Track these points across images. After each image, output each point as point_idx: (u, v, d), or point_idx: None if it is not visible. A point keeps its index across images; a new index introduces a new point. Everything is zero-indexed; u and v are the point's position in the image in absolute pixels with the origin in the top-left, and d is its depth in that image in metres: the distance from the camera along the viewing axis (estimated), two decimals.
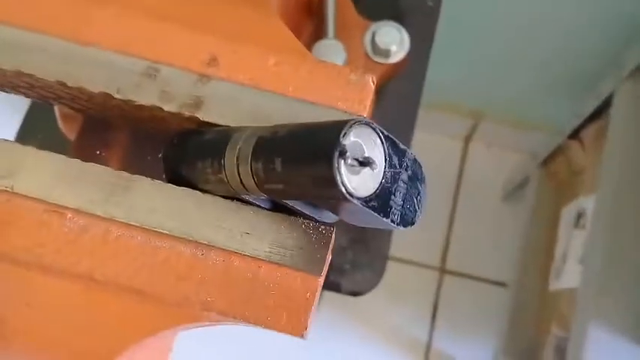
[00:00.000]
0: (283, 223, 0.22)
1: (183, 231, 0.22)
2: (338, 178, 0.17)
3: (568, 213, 1.02)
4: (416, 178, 0.20)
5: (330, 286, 0.47)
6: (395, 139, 0.19)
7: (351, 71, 0.24)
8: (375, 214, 0.19)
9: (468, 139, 1.33)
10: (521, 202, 1.17)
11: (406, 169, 0.20)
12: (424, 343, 1.27)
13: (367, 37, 0.50)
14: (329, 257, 0.22)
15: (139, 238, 0.22)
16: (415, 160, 0.20)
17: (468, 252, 1.30)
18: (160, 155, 0.25)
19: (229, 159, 0.21)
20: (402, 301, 1.26)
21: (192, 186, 0.23)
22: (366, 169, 0.18)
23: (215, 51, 0.24)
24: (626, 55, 0.85)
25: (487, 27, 0.96)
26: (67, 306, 0.22)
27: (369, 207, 0.18)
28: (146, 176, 0.24)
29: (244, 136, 0.21)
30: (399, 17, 0.51)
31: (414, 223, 0.20)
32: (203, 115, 0.24)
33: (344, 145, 0.18)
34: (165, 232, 0.22)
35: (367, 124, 0.18)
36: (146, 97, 0.24)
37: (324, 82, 0.24)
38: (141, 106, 0.24)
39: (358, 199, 0.18)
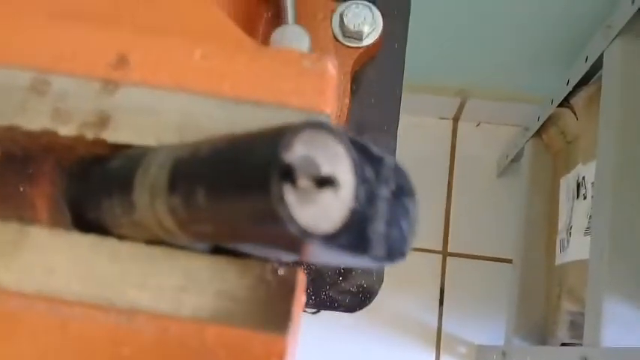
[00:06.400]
0: (230, 270, 0.17)
1: (96, 295, 0.17)
2: (283, 211, 0.12)
3: (567, 183, 0.99)
4: (401, 192, 0.14)
5: (323, 304, 0.41)
6: (366, 143, 0.14)
7: (303, 56, 0.19)
8: (349, 253, 0.13)
9: (456, 119, 1.30)
10: (517, 176, 1.14)
11: (386, 183, 0.14)
12: (434, 329, 1.25)
13: (335, 20, 0.45)
14: (298, 305, 0.17)
15: (39, 309, 0.17)
16: (398, 168, 0.14)
17: (469, 232, 1.29)
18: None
19: (140, 194, 0.15)
20: (408, 288, 1.25)
21: (106, 231, 0.17)
22: (327, 192, 0.13)
23: (124, 48, 0.19)
24: (614, 13, 0.81)
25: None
26: None
27: (336, 246, 0.13)
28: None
29: (158, 161, 0.15)
30: None
31: (404, 255, 0.15)
32: (111, 135, 0.18)
33: (287, 161, 0.12)
34: (71, 298, 0.17)
35: (320, 125, 0.13)
36: (35, 119, 0.18)
37: (269, 73, 0.18)
38: (31, 133, 0.18)
39: (318, 237, 0.12)
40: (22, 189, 0.27)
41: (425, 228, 1.24)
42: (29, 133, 0.18)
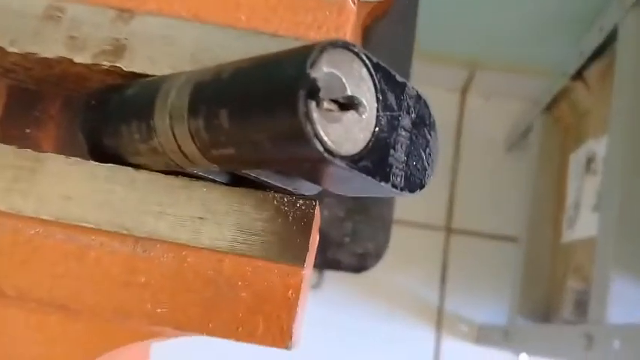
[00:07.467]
0: (248, 201, 0.16)
1: (113, 222, 0.16)
2: (309, 128, 0.12)
3: (577, 158, 0.98)
4: (422, 123, 0.14)
5: (328, 263, 0.42)
6: (389, 68, 0.13)
7: None
8: (370, 177, 0.13)
9: (464, 91, 1.28)
10: (526, 151, 1.12)
11: (408, 112, 0.14)
12: (436, 307, 1.24)
13: None
14: (314, 241, 0.17)
15: (56, 236, 0.17)
16: (419, 98, 0.14)
17: (474, 208, 1.26)
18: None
19: (160, 118, 0.15)
20: (410, 265, 1.23)
21: (122, 161, 0.17)
22: (351, 114, 0.12)
23: None
24: None
25: None
26: None
27: (359, 169, 0.13)
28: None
29: (178, 85, 0.15)
30: None
31: (423, 186, 0.14)
32: (127, 64, 0.17)
33: (314, 78, 0.12)
34: (89, 225, 0.16)
35: (346, 46, 0.12)
36: (50, 47, 0.18)
37: (286, 5, 0.18)
38: (46, 60, 0.18)
39: (342, 158, 0.12)
40: (28, 131, 0.27)
41: (428, 203, 1.23)
42: (44, 61, 0.18)
